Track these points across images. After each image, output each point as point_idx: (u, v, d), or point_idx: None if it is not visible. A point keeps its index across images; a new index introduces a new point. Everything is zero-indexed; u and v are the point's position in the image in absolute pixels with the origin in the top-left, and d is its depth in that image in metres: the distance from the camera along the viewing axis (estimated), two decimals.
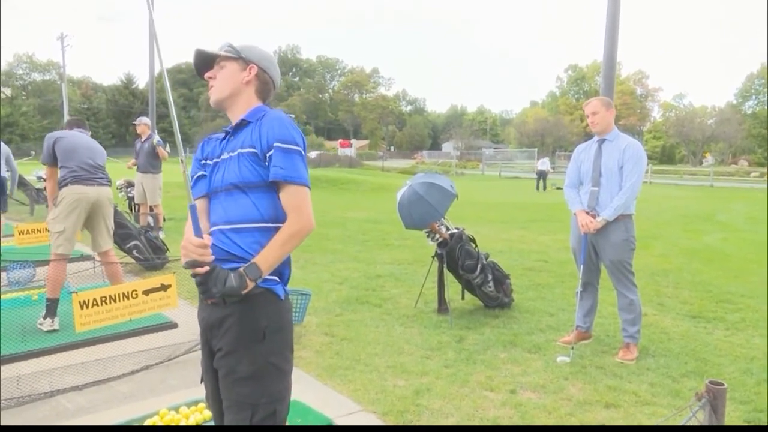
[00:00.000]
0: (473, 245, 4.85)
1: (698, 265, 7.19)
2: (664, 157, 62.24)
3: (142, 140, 8.04)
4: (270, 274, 1.68)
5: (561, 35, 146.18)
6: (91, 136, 4.78)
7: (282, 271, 1.75)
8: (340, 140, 65.53)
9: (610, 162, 3.79)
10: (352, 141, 65.91)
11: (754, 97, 58.64)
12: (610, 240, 3.81)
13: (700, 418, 1.75)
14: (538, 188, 22.47)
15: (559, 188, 22.72)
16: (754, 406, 3.10)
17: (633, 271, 3.89)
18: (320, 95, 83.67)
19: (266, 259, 1.64)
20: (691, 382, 3.41)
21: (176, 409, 2.88)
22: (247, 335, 1.66)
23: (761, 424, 2.91)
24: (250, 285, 1.62)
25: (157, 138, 7.94)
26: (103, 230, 4.45)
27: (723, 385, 1.80)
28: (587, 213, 3.86)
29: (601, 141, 3.87)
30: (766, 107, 56.84)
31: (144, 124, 8.08)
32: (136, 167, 8.24)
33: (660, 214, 13.43)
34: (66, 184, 4.28)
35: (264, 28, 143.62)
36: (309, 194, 1.70)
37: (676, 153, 62.83)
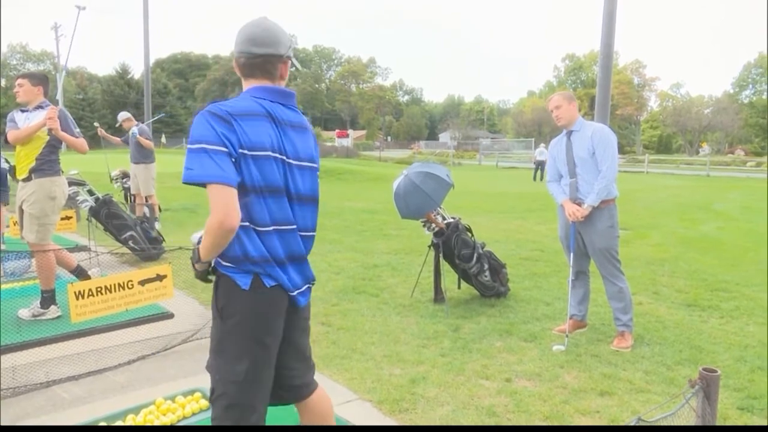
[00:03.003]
0: (469, 235, 4.85)
1: (694, 254, 7.21)
2: (661, 146, 62.23)
3: (131, 133, 8.10)
4: (227, 262, 1.72)
5: (558, 25, 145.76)
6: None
7: (240, 261, 1.70)
8: (336, 130, 65.28)
9: (581, 152, 3.84)
10: (349, 131, 65.68)
11: (751, 86, 58.60)
12: (596, 227, 3.83)
13: (693, 405, 1.76)
14: (535, 178, 22.47)
15: None
16: (748, 393, 3.12)
17: (619, 259, 3.91)
18: (317, 85, 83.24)
19: (203, 247, 1.71)
20: (685, 370, 3.43)
21: (172, 398, 2.89)
22: (213, 309, 1.81)
23: (755, 410, 2.93)
24: (196, 266, 1.78)
25: (133, 130, 7.94)
26: (23, 222, 4.19)
27: (716, 372, 1.81)
28: (572, 202, 3.89)
29: (569, 133, 3.93)
30: (763, 96, 56.82)
31: (126, 119, 8.18)
32: (129, 158, 8.25)
33: (657, 204, 13.46)
34: None
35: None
36: (222, 190, 1.58)
37: (673, 142, 62.80)
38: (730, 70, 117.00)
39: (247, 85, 1.79)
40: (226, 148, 1.61)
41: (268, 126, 1.71)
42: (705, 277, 5.88)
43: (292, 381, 1.93)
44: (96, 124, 8.91)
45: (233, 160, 1.63)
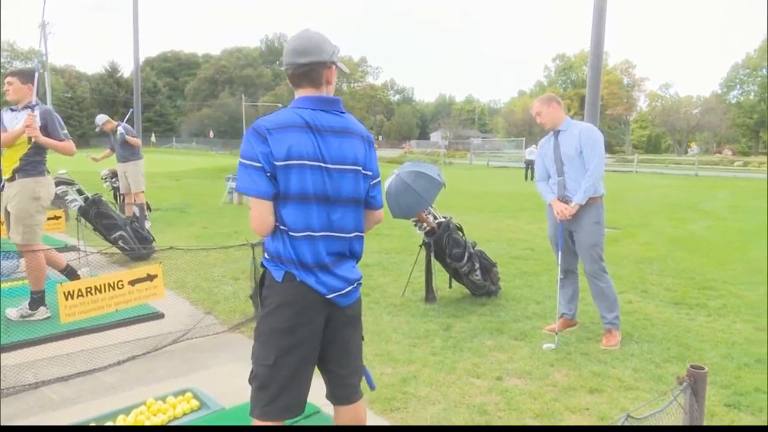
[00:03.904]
0: (460, 234, 4.87)
1: (682, 252, 7.28)
2: (650, 146, 62.75)
3: (113, 133, 8.04)
4: (268, 257, 1.89)
5: (549, 25, 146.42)
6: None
7: (275, 258, 1.86)
8: None
9: (568, 151, 3.89)
10: None
11: (738, 86, 59.10)
12: (583, 224, 3.88)
13: (681, 402, 1.78)
14: (526, 178, 22.57)
15: None
16: (734, 389, 3.16)
17: (603, 258, 3.95)
18: None
19: None
20: (673, 368, 3.47)
21: (163, 398, 2.88)
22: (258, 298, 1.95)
23: (741, 406, 2.97)
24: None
25: (120, 130, 7.91)
26: (10, 222, 4.13)
27: (703, 369, 1.83)
28: (560, 201, 3.94)
29: (557, 133, 3.97)
30: (750, 97, 57.40)
31: (105, 122, 8.14)
32: (115, 158, 8.20)
33: (646, 203, 13.57)
34: None
35: (251, 16, 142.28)
36: (254, 201, 1.80)
37: (662, 142, 63.35)
38: (718, 71, 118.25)
39: (297, 95, 1.89)
40: (260, 163, 1.76)
41: (304, 136, 1.79)
42: (693, 275, 5.94)
43: (338, 380, 2.01)
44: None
45: (268, 174, 1.77)
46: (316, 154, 1.80)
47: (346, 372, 2.01)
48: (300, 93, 1.88)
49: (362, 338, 2.09)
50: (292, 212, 1.80)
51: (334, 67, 1.90)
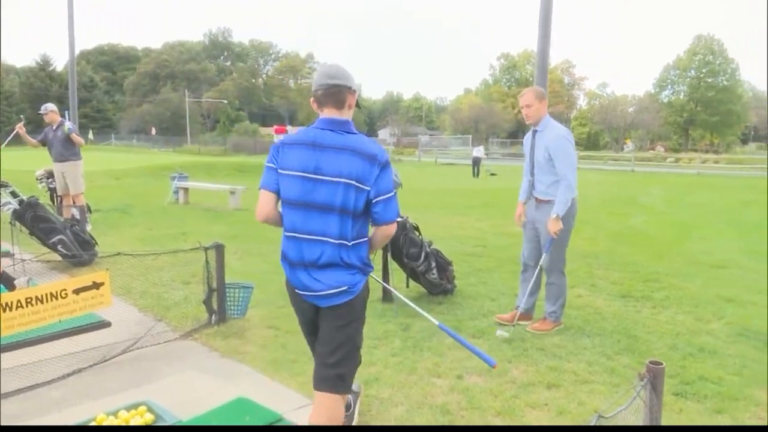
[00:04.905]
0: (417, 233, 4.89)
1: (624, 247, 7.59)
2: (589, 143, 65.14)
3: (54, 128, 7.53)
4: None
5: (493, 23, 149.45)
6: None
7: (281, 250, 2.27)
8: (275, 126, 63.87)
9: (538, 155, 3.97)
10: (288, 127, 64.25)
11: (670, 87, 62.22)
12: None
13: (643, 397, 1.85)
14: (474, 175, 22.99)
15: (493, 174, 23.33)
16: (681, 379, 3.32)
17: (565, 259, 4.08)
18: (253, 80, 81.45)
19: None
20: (624, 359, 3.61)
21: (115, 413, 2.73)
22: None
23: (688, 395, 3.12)
24: None
25: (68, 125, 7.46)
26: None
27: (662, 364, 1.91)
28: (528, 201, 4.14)
29: (534, 132, 4.04)
30: (680, 96, 60.60)
31: (51, 111, 7.55)
32: (51, 157, 7.68)
33: (588, 199, 14.04)
34: None
35: (192, 9, 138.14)
36: (260, 192, 2.25)
37: (600, 139, 65.94)
38: (652, 71, 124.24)
39: (320, 116, 2.21)
40: (275, 165, 2.21)
41: (306, 151, 2.14)
42: (637, 269, 6.20)
43: (322, 364, 2.25)
44: (22, 116, 8.09)
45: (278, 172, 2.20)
46: (310, 167, 2.12)
47: (329, 361, 2.23)
48: (323, 115, 2.20)
49: (356, 345, 2.28)
50: (285, 214, 2.20)
51: (356, 94, 2.23)
